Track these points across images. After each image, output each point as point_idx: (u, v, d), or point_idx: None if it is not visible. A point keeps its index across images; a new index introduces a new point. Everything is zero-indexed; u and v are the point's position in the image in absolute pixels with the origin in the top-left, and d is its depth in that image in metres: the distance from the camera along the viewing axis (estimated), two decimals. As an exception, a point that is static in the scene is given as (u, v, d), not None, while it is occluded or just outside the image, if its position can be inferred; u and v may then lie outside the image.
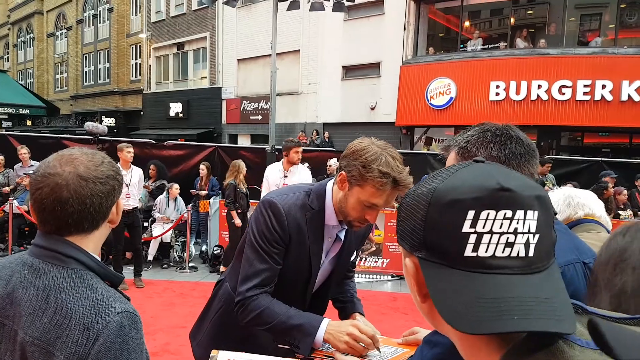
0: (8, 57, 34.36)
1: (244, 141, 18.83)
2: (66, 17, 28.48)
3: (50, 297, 0.99)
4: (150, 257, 7.27)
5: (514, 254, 0.55)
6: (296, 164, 5.96)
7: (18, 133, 13.10)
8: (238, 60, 18.87)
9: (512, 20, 13.69)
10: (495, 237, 0.55)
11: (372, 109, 15.01)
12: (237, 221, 6.67)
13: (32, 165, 8.44)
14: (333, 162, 7.89)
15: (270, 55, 9.10)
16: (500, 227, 0.55)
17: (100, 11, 25.81)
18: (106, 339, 0.95)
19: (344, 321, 1.63)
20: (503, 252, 0.55)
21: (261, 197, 4.46)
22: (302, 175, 6.03)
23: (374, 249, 7.23)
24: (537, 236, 0.56)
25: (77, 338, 0.95)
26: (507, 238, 0.55)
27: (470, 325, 0.51)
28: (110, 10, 24.80)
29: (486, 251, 0.55)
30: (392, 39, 14.36)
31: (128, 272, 6.47)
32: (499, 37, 13.95)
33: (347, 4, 9.00)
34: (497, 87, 12.35)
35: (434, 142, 14.10)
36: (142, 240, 6.75)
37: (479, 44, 13.51)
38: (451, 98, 12.96)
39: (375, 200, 1.53)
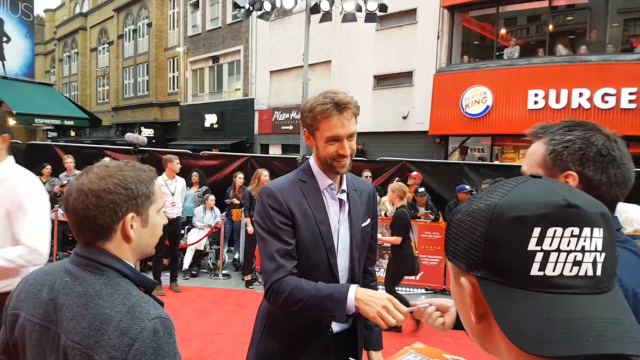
0: (54, 71, 35.97)
1: (275, 151, 19.01)
2: (108, 32, 29.63)
3: (89, 303, 1.04)
4: (186, 266, 7.42)
5: (581, 273, 0.53)
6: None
7: (63, 143, 13.65)
8: (270, 72, 19.13)
9: (550, 26, 13.36)
10: (563, 255, 0.53)
11: (404, 118, 14.89)
12: (250, 228, 6.77)
13: (75, 174, 8.76)
14: (368, 173, 7.89)
15: (302, 66, 9.18)
16: (568, 245, 0.53)
17: (139, 26, 26.72)
18: (141, 343, 0.99)
19: (379, 292, 1.59)
20: (571, 271, 0.53)
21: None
22: None
23: None
24: (603, 254, 0.54)
25: (115, 343, 0.99)
26: (575, 256, 0.53)
27: (541, 348, 0.50)
28: (149, 25, 25.64)
29: (554, 270, 0.53)
30: (425, 47, 14.25)
31: (165, 277, 6.62)
32: (536, 45, 13.62)
33: (379, 14, 8.99)
34: (536, 95, 12.03)
35: (469, 151, 13.85)
36: (179, 247, 6.91)
37: (516, 51, 13.23)
38: (487, 107, 12.71)
39: (333, 131, 1.64)
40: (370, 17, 8.91)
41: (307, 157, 8.70)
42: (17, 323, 1.11)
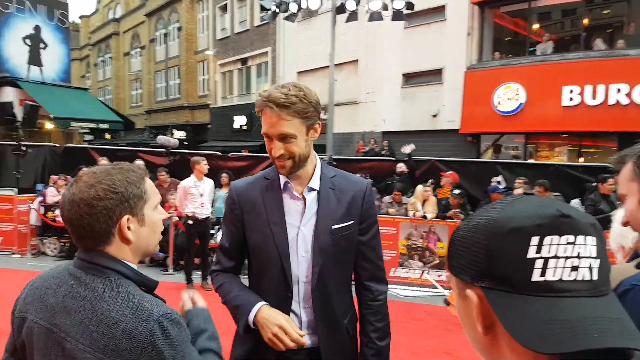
0: (89, 75, 37.09)
1: (304, 151, 19.06)
2: (140, 37, 30.35)
3: (94, 307, 1.06)
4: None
5: (579, 278, 0.57)
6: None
7: (98, 146, 14.05)
8: (298, 72, 19.19)
9: (585, 20, 12.92)
10: (561, 261, 0.57)
11: (434, 116, 14.67)
12: None
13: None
14: (402, 165, 8.32)
15: (328, 66, 9.15)
16: (565, 252, 0.57)
17: (170, 30, 27.27)
18: (154, 344, 1.02)
19: (278, 312, 1.52)
20: (569, 275, 0.57)
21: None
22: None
23: (437, 261, 7.01)
24: (597, 261, 0.58)
25: (126, 346, 1.02)
26: (572, 262, 0.57)
27: (547, 345, 0.53)
28: (180, 29, 26.12)
29: (553, 275, 0.56)
30: (454, 44, 14.01)
31: (196, 276, 6.74)
32: (571, 40, 13.20)
33: (406, 12, 8.88)
34: (571, 91, 11.66)
35: (502, 149, 13.53)
36: (209, 247, 7.01)
37: (550, 46, 12.85)
38: (520, 104, 12.39)
39: (264, 128, 1.54)
40: (397, 16, 8.81)
41: (334, 157, 8.67)
42: (25, 326, 1.13)
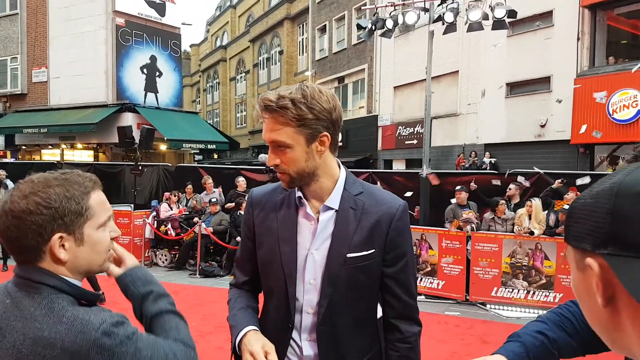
0: (199, 100, 40.20)
1: (398, 166, 18.87)
2: (245, 62, 32.33)
3: (26, 327, 0.96)
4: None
5: None
6: None
7: (207, 165, 15.16)
8: (394, 87, 19.15)
9: None
10: None
11: (542, 126, 13.77)
12: None
13: (214, 192, 9.66)
14: (513, 187, 7.87)
15: (425, 79, 9.06)
16: None
17: (272, 54, 28.73)
18: (102, 353, 0.95)
19: (259, 339, 1.35)
20: None
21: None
22: None
23: (544, 281, 6.55)
24: None
25: None
26: None
27: None
28: (281, 52, 27.43)
29: None
30: (563, 51, 13.11)
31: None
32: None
33: (508, 20, 8.52)
34: (700, 95, 10.34)
35: (621, 160, 12.30)
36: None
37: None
38: (639, 111, 11.23)
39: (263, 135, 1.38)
40: (498, 25, 8.48)
41: (430, 172, 8.50)
42: None
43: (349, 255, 1.38)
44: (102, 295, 5.65)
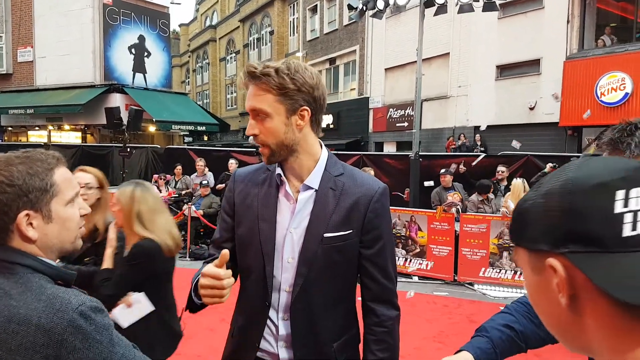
0: (189, 81, 39.73)
1: (389, 149, 18.92)
2: (235, 42, 31.92)
3: (0, 306, 0.95)
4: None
5: None
6: None
7: (197, 147, 15.06)
8: (385, 69, 19.07)
9: None
10: None
11: (531, 109, 13.84)
12: None
13: (205, 174, 9.64)
14: (502, 169, 7.96)
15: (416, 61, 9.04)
16: None
17: (263, 34, 28.38)
18: (76, 334, 0.93)
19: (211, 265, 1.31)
20: None
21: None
22: None
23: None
24: None
25: (42, 341, 0.92)
26: None
27: None
28: (272, 33, 27.10)
29: None
30: (553, 33, 13.11)
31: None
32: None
33: (499, 2, 8.50)
34: (688, 79, 10.43)
35: (593, 144, 12.43)
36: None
37: (663, 31, 11.59)
38: (626, 94, 11.30)
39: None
40: (488, 7, 8.46)
41: (420, 153, 8.54)
42: None
43: (325, 234, 1.39)
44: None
